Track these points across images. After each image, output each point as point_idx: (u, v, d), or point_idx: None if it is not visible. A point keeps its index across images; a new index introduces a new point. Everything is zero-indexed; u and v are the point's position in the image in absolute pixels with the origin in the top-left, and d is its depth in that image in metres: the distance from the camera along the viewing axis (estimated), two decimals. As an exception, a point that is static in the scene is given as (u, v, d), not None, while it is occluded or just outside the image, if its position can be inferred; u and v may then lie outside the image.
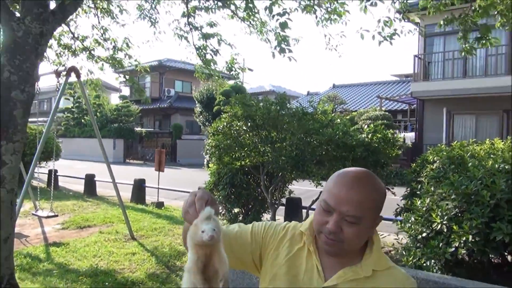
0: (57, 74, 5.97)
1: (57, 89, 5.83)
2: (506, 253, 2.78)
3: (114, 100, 33.04)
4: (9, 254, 3.17)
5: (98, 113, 25.46)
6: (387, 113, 16.75)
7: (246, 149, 5.48)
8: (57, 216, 6.34)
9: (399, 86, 22.38)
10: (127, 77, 8.55)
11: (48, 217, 6.00)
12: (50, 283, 3.80)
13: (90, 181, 10.34)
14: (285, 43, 5.08)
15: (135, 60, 7.91)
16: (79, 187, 10.98)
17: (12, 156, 3.28)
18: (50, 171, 10.76)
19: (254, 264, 1.35)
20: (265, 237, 1.34)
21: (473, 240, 2.35)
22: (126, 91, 31.75)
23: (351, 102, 21.48)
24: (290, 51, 4.98)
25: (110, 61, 7.66)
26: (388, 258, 1.27)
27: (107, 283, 3.84)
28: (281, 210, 6.28)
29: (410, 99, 16.13)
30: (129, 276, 4.09)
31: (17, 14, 3.58)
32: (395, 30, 4.89)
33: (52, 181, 7.35)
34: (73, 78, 5.82)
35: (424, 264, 2.65)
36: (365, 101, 21.66)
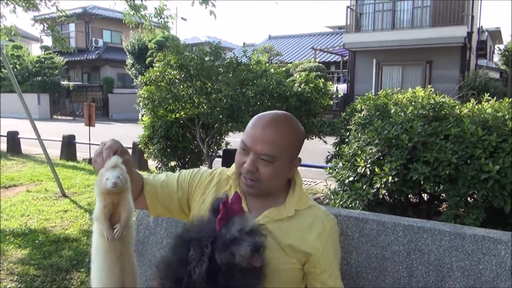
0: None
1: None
2: (422, 193, 3.07)
3: (36, 51, 30.38)
4: None
5: (17, 66, 23.32)
6: (321, 64, 17.12)
7: (180, 101, 5.36)
8: (-24, 176, 5.90)
9: (333, 37, 22.79)
10: (45, 24, 7.80)
11: (-34, 177, 5.57)
12: (-28, 245, 3.60)
13: (12, 138, 9.64)
14: None
15: (53, 4, 7.25)
16: (2, 145, 10.21)
17: None
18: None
19: (182, 211, 1.38)
20: (191, 184, 1.37)
21: (392, 181, 2.55)
22: (48, 41, 29.17)
23: (286, 54, 21.60)
24: (213, 5, 4.80)
25: (24, 4, 6.93)
26: (310, 197, 1.34)
27: (37, 241, 3.71)
28: (218, 163, 6.33)
29: (343, 50, 16.56)
30: (62, 233, 3.97)
31: None
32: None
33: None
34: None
35: (350, 206, 2.84)
36: (301, 53, 21.88)
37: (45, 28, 8.27)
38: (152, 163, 7.07)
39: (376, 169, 2.63)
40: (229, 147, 6.55)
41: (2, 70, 24.32)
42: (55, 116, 23.82)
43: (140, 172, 1.32)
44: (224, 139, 6.48)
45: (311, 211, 1.28)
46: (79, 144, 8.84)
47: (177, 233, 1.16)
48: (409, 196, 3.08)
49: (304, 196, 1.30)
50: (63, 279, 2.99)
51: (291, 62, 18.11)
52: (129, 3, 6.90)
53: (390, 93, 4.22)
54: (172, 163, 6.33)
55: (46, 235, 3.91)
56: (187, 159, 6.34)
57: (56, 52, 25.34)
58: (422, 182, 2.56)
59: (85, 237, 3.88)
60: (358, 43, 14.42)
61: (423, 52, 13.48)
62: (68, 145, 8.65)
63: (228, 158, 6.49)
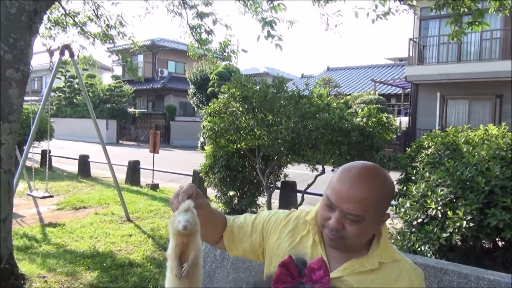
0: (50, 52, 5.87)
1: (50, 68, 5.75)
2: (497, 239, 2.86)
3: (107, 80, 32.67)
4: (8, 234, 3.18)
5: (90, 93, 25.18)
6: (381, 97, 16.80)
7: (242, 132, 5.49)
8: (52, 196, 6.34)
9: (394, 69, 22.38)
10: (119, 55, 8.44)
11: (43, 197, 6.00)
12: (49, 264, 3.83)
13: (84, 162, 10.30)
14: (271, 27, 4.99)
15: (129, 38, 7.83)
16: (73, 167, 10.95)
17: (9, 136, 3.26)
18: (43, 151, 10.71)
19: (256, 254, 1.38)
20: (266, 227, 1.36)
21: (467, 225, 2.40)
22: (118, 71, 31.35)
23: (345, 85, 21.47)
24: (279, 38, 4.89)
25: (102, 38, 7.56)
26: (396, 249, 1.26)
27: (105, 264, 3.88)
28: (276, 194, 6.34)
29: (404, 83, 16.16)
30: (127, 258, 4.13)
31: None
32: (389, 8, 4.88)
33: (47, 161, 7.30)
34: (65, 56, 5.72)
35: (419, 249, 2.70)
36: (359, 84, 21.66)
37: (119, 59, 8.92)
38: (211, 192, 7.21)
39: (449, 212, 2.51)
40: (287, 179, 6.55)
41: (77, 97, 26.41)
42: (120, 141, 25.20)
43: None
44: (283, 171, 6.50)
45: (397, 265, 1.20)
46: (143, 169, 9.25)
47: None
48: (482, 242, 2.88)
49: (389, 248, 1.22)
50: (128, 304, 3.09)
51: (350, 94, 17.95)
52: (195, 37, 7.29)
53: (460, 130, 4.05)
54: (231, 193, 6.43)
55: (113, 258, 4.09)
56: (245, 189, 6.42)
57: (125, 81, 27.12)
58: (500, 228, 2.39)
59: (149, 263, 4.01)
60: (421, 75, 14.02)
61: (492, 86, 12.80)
62: (133, 170, 9.08)
63: (286, 190, 6.47)
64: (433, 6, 4.70)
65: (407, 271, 1.19)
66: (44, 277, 3.50)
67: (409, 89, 15.86)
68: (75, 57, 7.70)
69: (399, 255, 1.23)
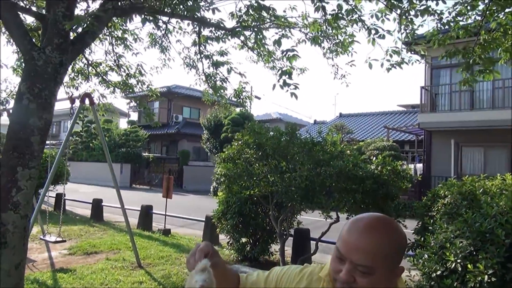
0: (72, 100, 6.10)
1: (70, 115, 5.96)
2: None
3: (122, 125, 33.42)
4: (20, 281, 3.17)
5: (106, 138, 25.71)
6: (394, 143, 16.76)
7: (255, 178, 5.50)
8: (65, 241, 6.33)
9: (406, 116, 22.49)
10: (138, 102, 8.71)
11: (56, 242, 5.99)
12: (57, 312, 3.77)
13: (97, 205, 10.35)
14: (289, 77, 5.12)
15: (148, 86, 8.10)
16: (86, 211, 10.98)
17: (28, 182, 3.32)
18: (57, 194, 10.81)
19: None
20: (279, 283, 1.34)
21: (489, 280, 2.32)
22: (134, 116, 32.17)
23: (358, 132, 21.56)
24: (296, 87, 4.98)
25: (122, 87, 7.84)
26: None
27: (114, 313, 3.81)
28: (289, 241, 6.23)
29: (418, 130, 16.17)
30: (136, 306, 4.04)
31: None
32: (402, 59, 5.00)
33: (62, 205, 7.36)
34: (86, 103, 5.93)
35: (439, 303, 2.61)
36: (372, 131, 21.73)
37: (137, 106, 9.18)
38: (223, 238, 7.13)
39: (469, 266, 2.43)
40: (301, 226, 6.45)
41: (93, 141, 26.95)
42: (133, 185, 25.34)
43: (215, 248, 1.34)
44: (296, 218, 6.42)
45: None
46: (156, 214, 9.23)
47: None
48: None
49: None
50: None
51: (362, 140, 17.98)
52: (210, 85, 7.51)
53: (477, 180, 4.00)
54: (244, 240, 6.35)
55: (122, 306, 4.01)
56: (258, 236, 6.33)
57: (141, 126, 27.69)
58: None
59: (159, 312, 3.92)
60: (434, 122, 14.04)
61: (507, 133, 12.71)
62: (146, 215, 9.07)
63: (300, 237, 6.36)
64: (444, 54, 4.80)
65: None
66: (53, 325, 3.44)
67: (422, 136, 15.84)
68: (95, 105, 7.99)
69: None
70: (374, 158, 5.49)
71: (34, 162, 3.39)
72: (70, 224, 8.82)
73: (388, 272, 1.13)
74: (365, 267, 1.09)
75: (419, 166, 15.50)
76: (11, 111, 3.61)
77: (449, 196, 3.79)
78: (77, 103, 5.89)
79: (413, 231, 4.27)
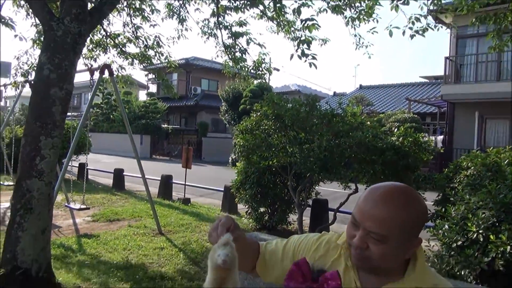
0: (91, 71, 6.13)
1: (90, 86, 6.00)
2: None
3: (142, 97, 33.68)
4: (47, 244, 3.29)
5: (126, 109, 25.98)
6: (415, 116, 16.43)
7: (274, 149, 5.49)
8: (88, 208, 6.52)
9: (428, 88, 21.91)
10: (156, 74, 8.73)
11: (80, 209, 6.18)
12: (83, 274, 3.92)
13: (118, 175, 10.58)
14: (307, 46, 5.00)
15: (166, 58, 8.07)
16: (108, 180, 11.26)
17: (51, 151, 3.40)
18: (80, 164, 11.07)
19: None
20: (296, 252, 1.34)
21: (511, 251, 2.29)
22: (153, 88, 32.29)
23: (378, 104, 21.17)
24: (313, 57, 4.88)
25: (141, 58, 7.85)
26: (436, 274, 1.21)
27: (137, 276, 3.94)
28: (307, 211, 6.27)
29: (440, 102, 15.77)
30: (159, 271, 4.17)
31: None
32: (428, 24, 4.80)
33: (84, 175, 7.56)
34: (105, 75, 5.96)
35: (458, 273, 2.59)
36: (393, 103, 21.30)
37: (156, 78, 9.20)
38: (242, 207, 7.22)
39: (491, 236, 2.40)
40: (319, 197, 6.47)
41: (113, 113, 27.31)
42: (154, 156, 25.75)
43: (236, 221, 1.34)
44: (315, 189, 6.43)
45: None
46: (175, 184, 9.39)
47: None
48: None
49: (427, 273, 1.16)
50: (159, 318, 3.11)
51: (383, 113, 17.67)
52: (230, 56, 7.43)
53: (502, 151, 3.90)
54: (262, 209, 6.42)
55: (145, 271, 4.14)
56: (276, 206, 6.39)
57: (160, 98, 27.85)
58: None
59: (180, 277, 4.03)
60: (458, 94, 13.64)
61: (534, 105, 12.30)
62: (166, 185, 9.24)
63: (318, 208, 6.39)
64: (474, 20, 4.61)
65: None
66: (79, 287, 3.58)
67: (445, 108, 15.46)
68: (114, 76, 8.03)
69: (437, 280, 1.16)
70: (396, 129, 5.39)
71: (56, 132, 3.45)
72: (93, 193, 9.06)
73: (402, 242, 1.10)
74: (377, 235, 1.08)
75: (440, 138, 15.19)
76: (33, 82, 3.65)
77: (472, 167, 3.71)
78: (97, 74, 5.91)
79: (433, 203, 4.22)
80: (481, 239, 2.49)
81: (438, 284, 1.15)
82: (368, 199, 1.12)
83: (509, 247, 2.29)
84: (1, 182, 8.59)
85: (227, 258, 1.02)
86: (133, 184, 10.58)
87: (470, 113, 13.69)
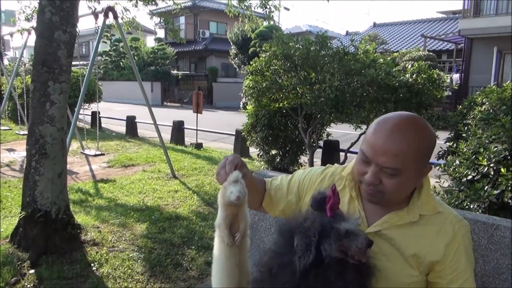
0: (95, 15, 5.97)
1: (95, 31, 5.87)
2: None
3: (150, 43, 33.08)
4: (64, 188, 3.39)
5: (135, 56, 25.65)
6: (431, 53, 15.90)
7: (284, 90, 5.42)
8: (103, 154, 6.65)
9: (446, 24, 20.98)
10: (161, 17, 8.49)
11: (95, 155, 6.30)
12: (101, 216, 4.08)
13: (131, 122, 10.68)
14: None
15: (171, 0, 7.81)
16: (121, 128, 11.39)
17: (60, 96, 3.40)
18: (93, 112, 11.17)
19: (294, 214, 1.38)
20: (301, 186, 1.35)
21: (522, 183, 2.28)
22: (161, 33, 31.59)
23: (392, 42, 20.47)
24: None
25: (145, 0, 7.58)
26: (440, 201, 1.21)
27: (153, 217, 4.08)
28: (318, 153, 6.29)
29: (457, 37, 15.17)
30: (174, 212, 4.31)
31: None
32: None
33: (97, 122, 7.64)
34: (110, 19, 5.81)
35: (467, 207, 2.61)
36: (408, 40, 20.56)
37: (161, 21, 8.96)
38: (253, 150, 7.29)
39: (502, 170, 2.38)
40: (330, 138, 6.47)
41: (123, 60, 27.03)
42: (165, 103, 25.78)
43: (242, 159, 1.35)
44: (326, 130, 6.41)
45: (440, 216, 1.15)
46: (187, 129, 9.46)
47: (278, 227, 1.17)
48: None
49: (431, 200, 1.17)
50: (176, 254, 3.25)
51: (397, 51, 17.13)
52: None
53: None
54: (273, 152, 6.46)
55: (160, 212, 4.28)
56: (288, 148, 6.41)
57: (168, 43, 27.33)
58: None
59: (194, 217, 4.17)
60: (476, 29, 13.07)
61: (557, 38, 11.75)
62: (178, 130, 9.31)
63: (329, 149, 6.41)
64: None
65: (451, 222, 1.14)
66: (98, 227, 3.74)
67: (462, 45, 14.90)
68: (119, 20, 7.82)
69: (442, 207, 1.17)
70: (410, 66, 5.23)
71: (64, 77, 3.43)
72: (107, 140, 9.21)
73: (416, 172, 1.10)
74: (392, 169, 1.06)
75: (456, 76, 14.80)
76: (36, 26, 3.58)
77: (487, 103, 3.62)
78: (101, 18, 5.76)
79: (445, 140, 4.18)
80: (492, 173, 2.47)
81: (442, 212, 1.16)
82: (378, 133, 1.09)
83: (520, 179, 2.27)
84: (17, 132, 8.76)
85: (240, 194, 1.03)
86: (146, 131, 10.69)
87: (488, 48, 13.19)
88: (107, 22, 6.05)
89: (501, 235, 1.39)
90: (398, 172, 1.06)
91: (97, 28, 5.84)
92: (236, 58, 22.32)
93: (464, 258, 1.12)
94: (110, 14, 5.68)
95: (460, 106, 4.31)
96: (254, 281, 1.13)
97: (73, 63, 3.75)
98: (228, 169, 1.11)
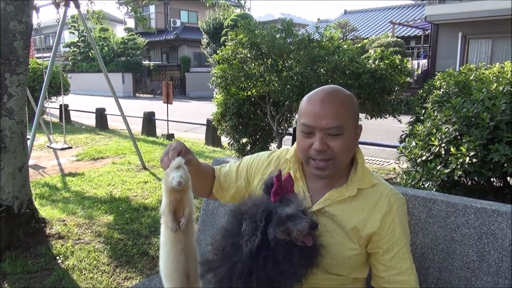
0: (56, 4, 5.81)
1: (57, 21, 5.73)
2: (508, 177, 2.83)
3: (120, 33, 32.32)
4: (25, 181, 3.33)
5: (105, 47, 25.03)
6: (399, 39, 16.18)
7: (252, 78, 5.43)
8: (71, 148, 6.54)
9: (414, 10, 21.35)
10: (130, 6, 8.30)
11: (62, 149, 6.19)
12: (68, 209, 4.03)
13: (101, 114, 10.49)
14: None
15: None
16: (91, 121, 11.17)
17: (18, 88, 3.32)
18: (61, 105, 10.92)
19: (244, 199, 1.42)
20: (249, 171, 1.40)
21: (470, 162, 2.39)
22: (131, 23, 30.90)
23: (363, 29, 20.71)
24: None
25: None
26: (374, 175, 1.29)
27: (121, 208, 4.07)
28: (288, 140, 6.36)
29: (425, 23, 15.49)
30: (142, 203, 4.30)
31: None
32: None
33: (63, 115, 7.48)
34: (73, 9, 5.67)
35: (422, 186, 2.73)
36: (378, 27, 20.84)
37: (129, 10, 8.78)
38: (225, 140, 7.30)
39: (452, 149, 2.49)
40: (299, 125, 6.54)
41: (91, 51, 26.35)
42: (137, 94, 25.37)
43: (213, 149, 1.37)
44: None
45: (376, 190, 1.23)
46: (158, 120, 9.37)
47: (231, 208, 1.21)
48: (492, 180, 2.88)
49: (367, 174, 1.25)
50: (143, 244, 3.26)
51: (367, 38, 17.35)
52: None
53: (475, 69, 3.91)
54: (244, 140, 6.49)
55: (128, 203, 4.27)
56: (258, 136, 6.46)
57: (138, 34, 26.80)
58: (504, 164, 2.37)
59: (162, 207, 4.17)
60: (442, 15, 13.37)
61: (517, 23, 12.16)
62: (149, 121, 9.22)
63: (298, 136, 6.49)
64: None
65: (387, 195, 1.22)
66: (64, 220, 3.70)
67: (429, 30, 15.22)
68: (85, 12, 7.62)
69: (376, 180, 1.26)
70: (372, 52, 5.33)
71: (21, 68, 3.36)
72: (76, 133, 9.04)
73: (353, 130, 1.20)
74: (335, 129, 1.15)
75: (423, 61, 15.14)
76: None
77: (444, 86, 3.74)
78: (62, 8, 5.61)
79: (407, 124, 4.31)
80: (443, 153, 2.59)
81: (376, 184, 1.24)
82: (313, 103, 1.18)
83: (468, 158, 2.39)
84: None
85: (181, 179, 1.05)
86: (116, 123, 10.52)
87: (453, 34, 13.54)
88: (71, 12, 5.90)
89: (438, 208, 1.47)
90: (342, 130, 1.15)
91: (58, 18, 5.69)
92: (208, 47, 22.13)
93: (399, 229, 1.20)
94: (71, 4, 5.54)
95: (421, 90, 4.44)
96: (206, 261, 1.17)
97: (38, 55, 3.67)
98: (171, 156, 1.13)
